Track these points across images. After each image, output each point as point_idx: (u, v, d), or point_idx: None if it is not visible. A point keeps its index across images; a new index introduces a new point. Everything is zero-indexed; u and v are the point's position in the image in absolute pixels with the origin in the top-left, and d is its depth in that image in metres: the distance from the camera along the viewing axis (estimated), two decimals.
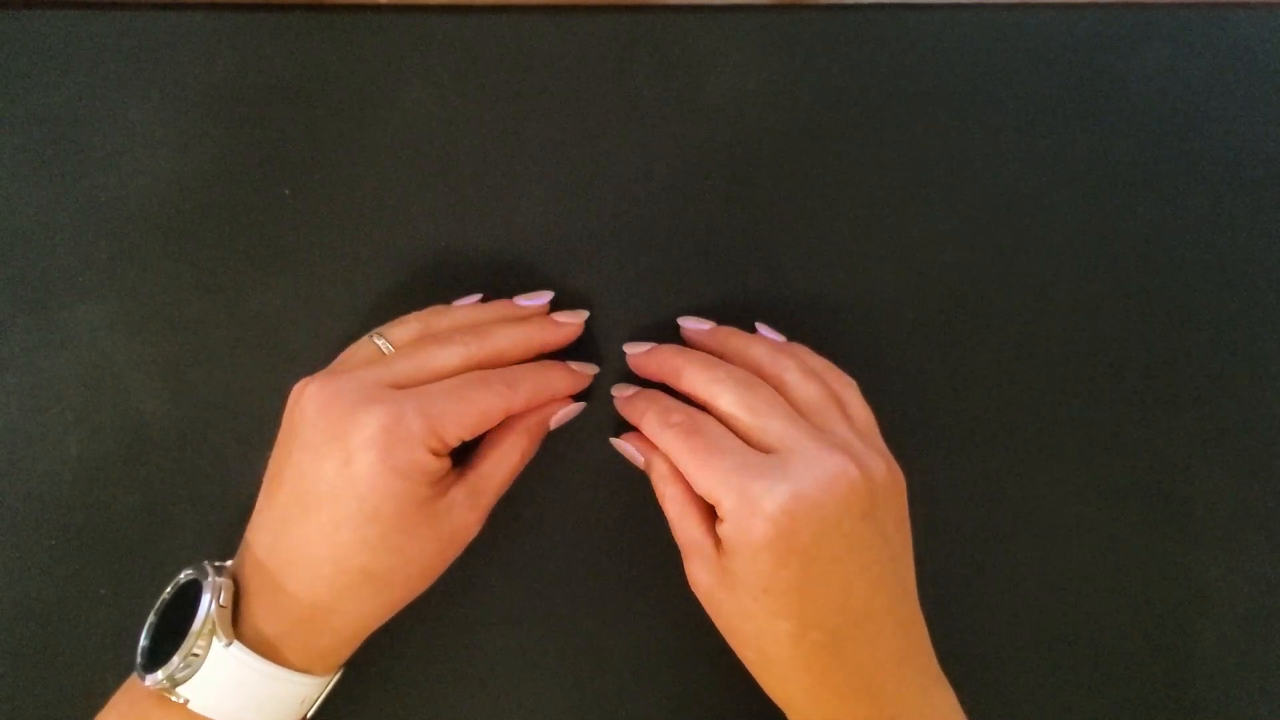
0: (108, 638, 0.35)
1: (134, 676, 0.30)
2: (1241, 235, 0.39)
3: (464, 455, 0.33)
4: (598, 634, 0.36)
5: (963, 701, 0.31)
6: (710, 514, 0.31)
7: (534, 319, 0.35)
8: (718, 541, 0.30)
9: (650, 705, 0.36)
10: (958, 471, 0.37)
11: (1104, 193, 0.39)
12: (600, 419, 0.37)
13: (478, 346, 0.32)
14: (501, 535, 0.35)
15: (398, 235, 0.38)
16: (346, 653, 0.31)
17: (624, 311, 0.37)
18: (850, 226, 0.38)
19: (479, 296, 0.36)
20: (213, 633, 0.28)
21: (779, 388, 0.32)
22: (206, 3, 0.39)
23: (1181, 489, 0.37)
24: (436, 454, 0.30)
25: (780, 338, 0.36)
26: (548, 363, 0.35)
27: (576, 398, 0.36)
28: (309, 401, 0.29)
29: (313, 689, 0.31)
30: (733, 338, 0.35)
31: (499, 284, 0.37)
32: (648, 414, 0.32)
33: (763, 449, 0.30)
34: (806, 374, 0.32)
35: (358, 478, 0.28)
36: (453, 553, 0.32)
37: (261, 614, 0.29)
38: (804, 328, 0.36)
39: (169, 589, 0.30)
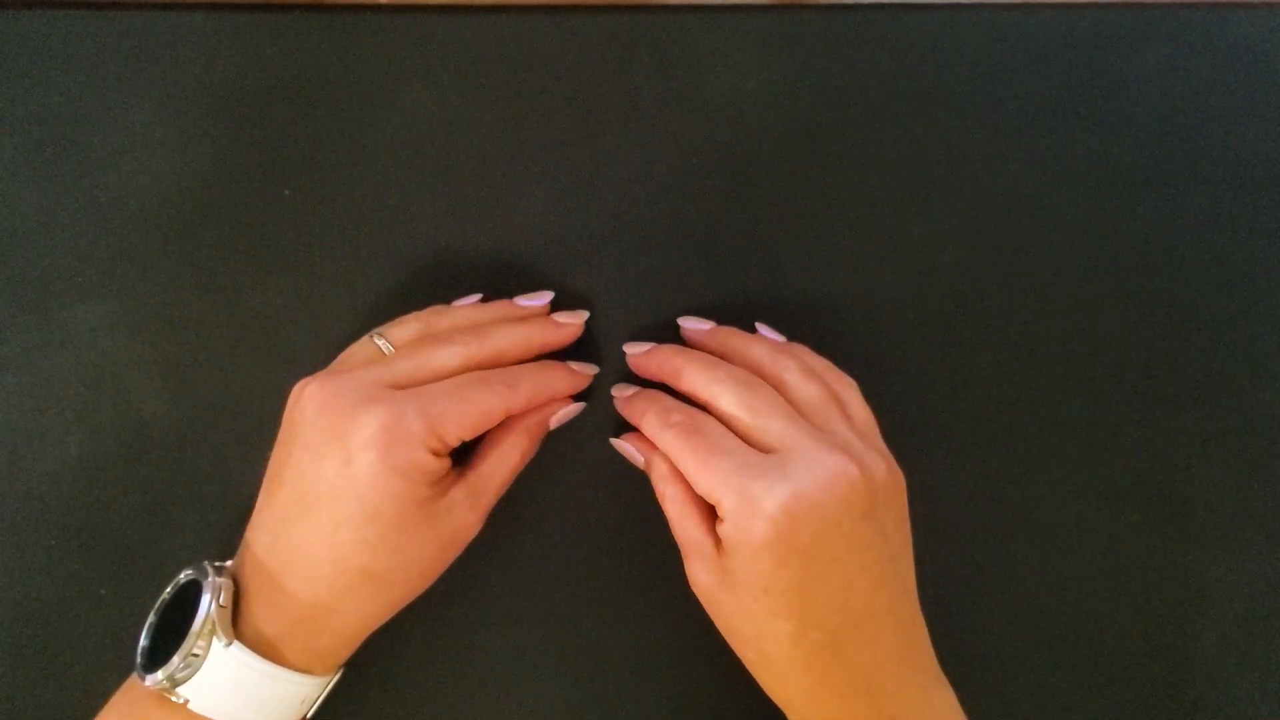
0: (108, 638, 0.35)
1: (134, 676, 0.30)
2: (1241, 235, 0.39)
3: (464, 455, 0.33)
4: (598, 634, 0.36)
5: (963, 701, 0.31)
6: (710, 514, 0.31)
7: (534, 319, 0.35)
8: (718, 541, 0.30)
9: (650, 705, 0.36)
10: (958, 471, 0.37)
11: (1104, 193, 0.39)
12: (600, 419, 0.37)
13: (478, 347, 0.32)
14: (501, 535, 0.35)
15: (398, 235, 0.38)
16: (346, 653, 0.31)
17: (624, 311, 0.37)
18: (850, 226, 0.38)
19: (479, 296, 0.36)
20: (213, 633, 0.28)
21: (779, 388, 0.32)
22: (206, 3, 0.39)
23: (1181, 489, 0.37)
24: (436, 454, 0.30)
25: (780, 338, 0.36)
26: (548, 363, 0.35)
27: (576, 398, 0.36)
28: (309, 401, 0.29)
29: (313, 689, 0.31)
30: (733, 338, 0.35)
31: (499, 284, 0.37)
32: (648, 414, 0.32)
33: (763, 449, 0.30)
34: (806, 374, 0.32)
35: (358, 478, 0.28)
36: (453, 553, 0.32)
37: (261, 614, 0.29)
38: (804, 328, 0.36)
39: (169, 589, 0.30)
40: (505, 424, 0.33)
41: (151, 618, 0.30)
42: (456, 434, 0.30)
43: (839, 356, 0.35)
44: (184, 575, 0.30)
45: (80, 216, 0.37)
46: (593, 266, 0.38)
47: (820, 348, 0.35)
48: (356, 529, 0.28)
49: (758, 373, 0.32)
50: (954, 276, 0.38)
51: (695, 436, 0.30)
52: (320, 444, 0.29)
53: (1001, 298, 0.38)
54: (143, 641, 0.29)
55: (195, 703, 0.28)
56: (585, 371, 0.36)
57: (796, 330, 0.36)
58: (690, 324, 0.36)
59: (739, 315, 0.36)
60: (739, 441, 0.30)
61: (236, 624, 0.29)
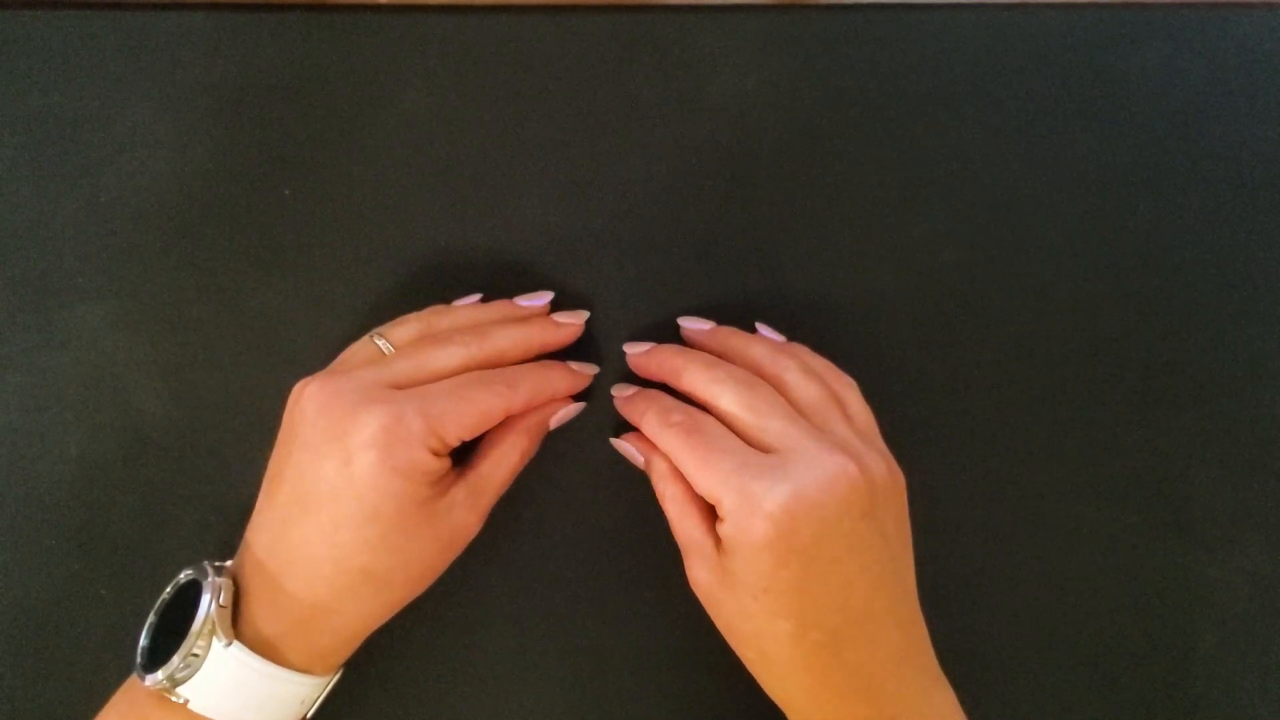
0: (108, 638, 0.35)
1: (134, 676, 0.30)
2: (1241, 235, 0.39)
3: (464, 455, 0.33)
4: (598, 634, 0.36)
5: (963, 701, 0.31)
6: (710, 514, 0.31)
7: (534, 319, 0.35)
8: (718, 541, 0.30)
9: (650, 705, 0.36)
10: (958, 471, 0.37)
11: (1104, 193, 0.39)
12: (600, 419, 0.37)
13: (478, 347, 0.32)
14: (501, 535, 0.35)
15: (398, 235, 0.38)
16: (346, 653, 0.31)
17: (624, 311, 0.37)
18: (850, 226, 0.38)
19: (479, 296, 0.36)
20: (213, 633, 0.28)
21: (779, 388, 0.32)
22: (206, 3, 0.39)
23: (1181, 489, 0.37)
24: (436, 454, 0.30)
25: (780, 338, 0.36)
26: (548, 363, 0.35)
27: (576, 398, 0.36)
28: (309, 402, 0.29)
29: (312, 689, 0.31)
30: (733, 338, 0.35)
31: (499, 284, 0.37)
32: (648, 414, 0.32)
33: (763, 449, 0.30)
34: (807, 374, 0.32)
35: (358, 478, 0.28)
36: (453, 553, 0.32)
37: (261, 614, 0.29)
38: (804, 328, 0.36)
39: (169, 589, 0.30)
40: (505, 424, 0.33)
41: (151, 618, 0.30)
42: (456, 434, 0.30)
43: (839, 356, 0.35)
44: (184, 575, 0.30)
45: (80, 216, 0.37)
46: (593, 266, 0.38)
47: (820, 348, 0.35)
48: (356, 529, 0.28)
49: (758, 373, 0.32)
50: (954, 276, 0.38)
51: (695, 436, 0.30)
52: (320, 444, 0.29)
53: (1001, 298, 0.38)
54: (143, 641, 0.29)
55: (195, 703, 0.28)
56: (585, 371, 0.36)
57: (796, 330, 0.36)
58: (690, 324, 0.36)
59: (739, 315, 0.36)
60: (739, 441, 0.30)
61: (236, 624, 0.29)
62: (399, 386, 0.30)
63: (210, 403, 0.37)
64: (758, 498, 0.28)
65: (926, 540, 0.32)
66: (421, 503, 0.29)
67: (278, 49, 0.38)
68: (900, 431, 0.33)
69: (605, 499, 0.37)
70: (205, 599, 0.28)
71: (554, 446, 0.36)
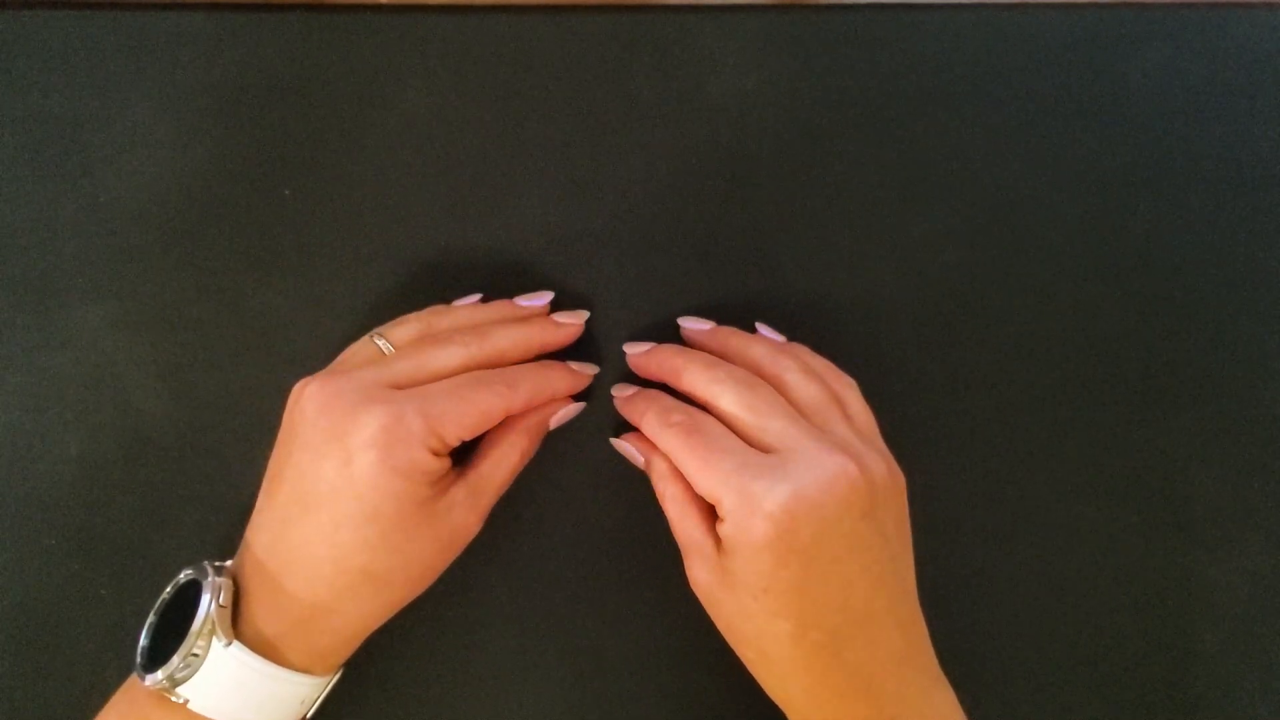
0: (108, 638, 0.35)
1: (134, 676, 0.30)
2: (1241, 235, 0.39)
3: (464, 455, 0.33)
4: (598, 634, 0.36)
5: (963, 701, 0.31)
6: (710, 514, 0.31)
7: (534, 319, 0.35)
8: (718, 541, 0.30)
9: (650, 705, 0.36)
10: (958, 471, 0.37)
11: (1104, 193, 0.39)
12: (600, 419, 0.37)
13: (478, 347, 0.32)
14: (501, 535, 0.35)
15: (398, 235, 0.38)
16: (346, 653, 0.31)
17: (624, 311, 0.37)
18: (850, 226, 0.38)
19: (479, 296, 0.36)
20: (212, 633, 0.28)
21: (779, 388, 0.32)
22: (206, 3, 0.39)
23: (1181, 489, 0.37)
24: (436, 454, 0.30)
25: (780, 338, 0.36)
26: (548, 363, 0.35)
27: (576, 398, 0.36)
28: (309, 401, 0.29)
29: (312, 689, 0.31)
30: (733, 338, 0.35)
31: (499, 284, 0.37)
32: (648, 414, 0.32)
33: (763, 449, 0.30)
34: (807, 374, 0.32)
35: (358, 478, 0.28)
36: (453, 553, 0.32)
37: (261, 614, 0.29)
38: (804, 328, 0.36)
39: (169, 589, 0.30)
40: (505, 424, 0.33)
41: (151, 617, 0.30)
42: (456, 434, 0.30)
43: (839, 356, 0.35)
44: (184, 575, 0.30)
45: (80, 216, 0.37)
46: (593, 266, 0.38)
47: (820, 348, 0.35)
48: (356, 529, 0.28)
49: (758, 373, 0.32)
50: (954, 276, 0.38)
51: (695, 436, 0.30)
52: (320, 444, 0.29)
53: (1001, 298, 0.38)
54: (143, 641, 0.29)
55: (195, 702, 0.28)
56: (585, 371, 0.36)
57: (796, 330, 0.36)
58: (690, 324, 0.36)
59: (739, 315, 0.36)
60: (739, 441, 0.30)
61: (236, 624, 0.29)
62: (399, 386, 0.30)
63: (210, 403, 0.37)
64: (758, 498, 0.28)
65: (926, 540, 0.32)
66: (421, 503, 0.29)
67: (278, 49, 0.38)
68: (900, 431, 0.33)
69: (605, 499, 0.37)
70: (205, 599, 0.28)
71: (554, 446, 0.36)
